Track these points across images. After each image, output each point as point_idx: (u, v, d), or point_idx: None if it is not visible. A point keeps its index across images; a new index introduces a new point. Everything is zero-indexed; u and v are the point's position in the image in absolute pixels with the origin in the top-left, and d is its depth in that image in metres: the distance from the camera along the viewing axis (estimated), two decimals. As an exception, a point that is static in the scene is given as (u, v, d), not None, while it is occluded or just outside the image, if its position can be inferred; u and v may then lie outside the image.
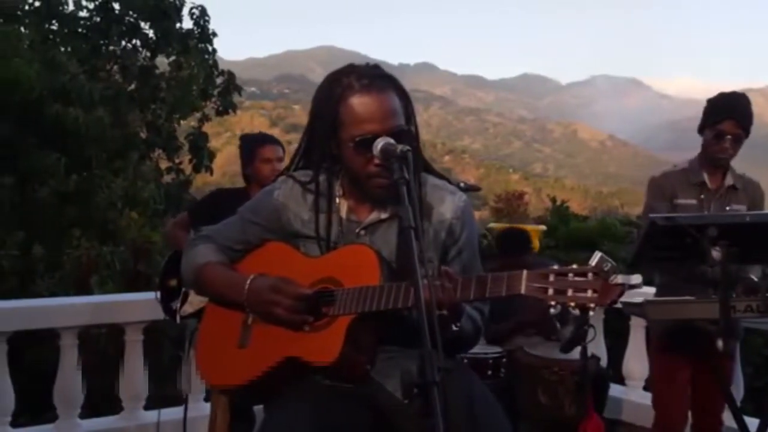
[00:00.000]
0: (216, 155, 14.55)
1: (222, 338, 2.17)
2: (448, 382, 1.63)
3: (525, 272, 1.79)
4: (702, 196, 3.44)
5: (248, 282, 2.05)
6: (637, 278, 1.76)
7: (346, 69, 2.03)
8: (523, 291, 1.78)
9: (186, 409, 4.17)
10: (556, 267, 1.78)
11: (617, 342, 5.76)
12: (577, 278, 1.74)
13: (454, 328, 1.92)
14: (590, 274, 1.73)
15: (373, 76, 1.99)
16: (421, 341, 1.61)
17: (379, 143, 1.91)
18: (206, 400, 4.77)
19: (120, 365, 4.56)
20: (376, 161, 1.94)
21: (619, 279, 1.74)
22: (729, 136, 3.32)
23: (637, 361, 5.13)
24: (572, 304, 1.74)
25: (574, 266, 1.76)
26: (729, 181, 3.46)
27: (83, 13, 13.52)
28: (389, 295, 1.91)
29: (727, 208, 3.42)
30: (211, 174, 14.49)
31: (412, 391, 1.60)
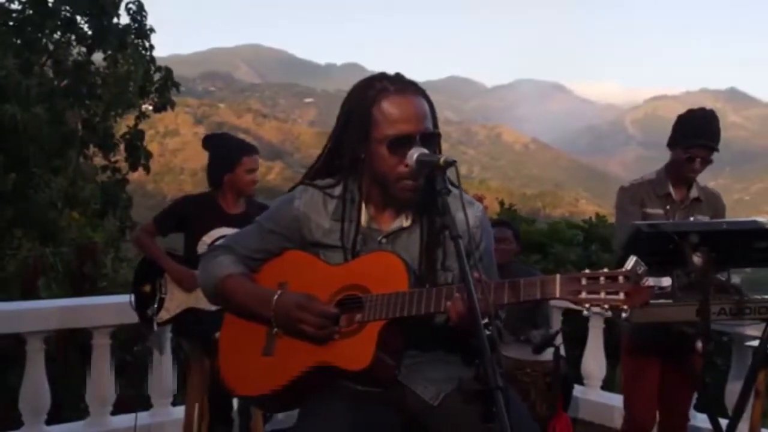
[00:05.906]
0: (153, 154, 14.28)
1: (246, 347, 2.17)
2: None
3: (559, 276, 1.85)
4: (668, 207, 3.63)
5: (275, 298, 2.06)
6: (667, 281, 1.84)
7: (377, 75, 2.09)
8: (558, 295, 1.84)
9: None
10: (587, 271, 1.85)
11: (572, 343, 5.95)
12: (608, 281, 1.81)
13: (487, 332, 1.97)
14: (621, 277, 1.80)
15: (405, 82, 2.06)
16: (481, 347, 1.66)
17: (414, 154, 1.95)
18: (173, 404, 4.72)
19: (87, 370, 4.48)
20: (408, 162, 1.98)
21: (650, 282, 1.82)
22: (699, 159, 3.50)
23: (595, 361, 5.30)
24: (605, 306, 1.81)
25: (605, 270, 1.83)
26: (694, 193, 3.65)
27: (15, 6, 13.08)
28: (420, 300, 1.94)
29: (692, 218, 3.59)
30: (148, 173, 14.22)
31: (473, 397, 1.64)
